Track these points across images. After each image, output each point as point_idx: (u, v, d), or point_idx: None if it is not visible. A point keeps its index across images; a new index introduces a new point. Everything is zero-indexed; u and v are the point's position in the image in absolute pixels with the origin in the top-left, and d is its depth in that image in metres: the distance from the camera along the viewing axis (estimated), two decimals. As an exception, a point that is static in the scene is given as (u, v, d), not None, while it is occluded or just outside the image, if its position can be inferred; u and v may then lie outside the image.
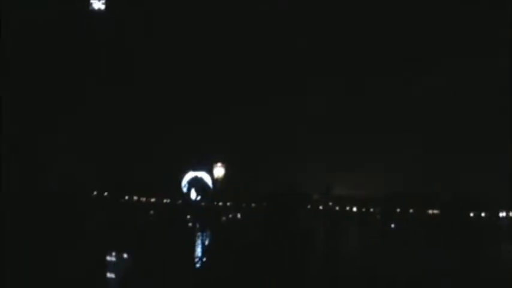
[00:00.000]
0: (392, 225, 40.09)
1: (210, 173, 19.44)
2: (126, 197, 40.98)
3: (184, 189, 11.24)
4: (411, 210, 45.36)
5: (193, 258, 10.50)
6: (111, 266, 8.68)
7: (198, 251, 10.82)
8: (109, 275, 8.58)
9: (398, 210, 44.79)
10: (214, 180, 20.25)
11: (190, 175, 11.49)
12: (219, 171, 15.51)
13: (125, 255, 8.86)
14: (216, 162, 19.92)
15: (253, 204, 36.46)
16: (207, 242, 11.09)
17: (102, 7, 14.74)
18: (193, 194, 11.58)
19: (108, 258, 8.80)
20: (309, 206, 38.05)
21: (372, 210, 47.03)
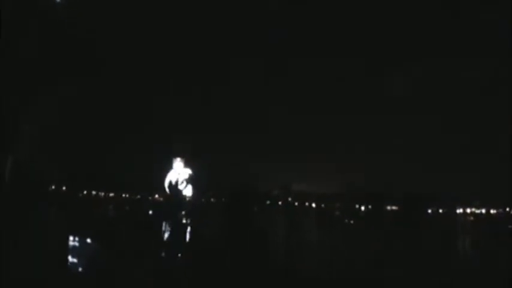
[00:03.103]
0: (352, 222, 40.70)
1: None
2: (85, 192, 40.06)
3: (182, 187, 10.98)
4: (370, 206, 46.25)
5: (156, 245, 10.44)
6: (73, 251, 8.50)
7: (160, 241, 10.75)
8: (71, 259, 8.41)
9: (357, 206, 45.59)
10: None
11: (183, 171, 11.23)
12: (179, 166, 15.25)
13: (88, 240, 8.67)
14: (176, 156, 19.47)
15: (212, 199, 36.38)
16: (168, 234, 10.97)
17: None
18: (189, 191, 11.34)
19: (71, 242, 8.61)
20: (268, 202, 38.17)
21: (331, 206, 47.68)
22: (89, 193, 41.25)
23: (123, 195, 41.02)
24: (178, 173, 11.06)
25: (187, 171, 10.88)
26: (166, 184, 11.12)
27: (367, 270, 14.51)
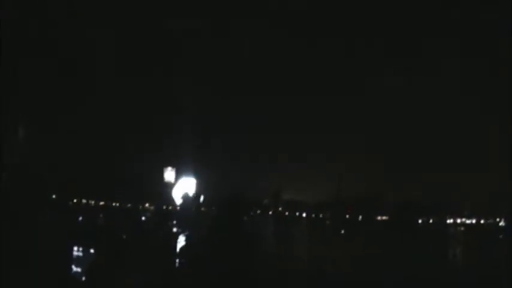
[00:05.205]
0: (342, 231, 40.79)
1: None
2: (75, 200, 39.67)
3: (195, 197, 11.04)
4: (361, 216, 46.39)
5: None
6: (76, 260, 8.55)
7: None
8: (75, 268, 8.46)
9: (348, 216, 45.69)
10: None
11: (189, 181, 11.20)
12: (169, 175, 15.20)
13: (91, 250, 8.75)
14: (166, 166, 19.52)
15: (202, 209, 36.19)
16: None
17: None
18: (201, 198, 11.45)
19: (75, 253, 8.67)
20: (258, 211, 38.14)
21: (321, 215, 47.74)
22: (79, 202, 40.96)
23: (114, 204, 40.70)
24: (189, 184, 11.08)
25: (193, 181, 10.92)
26: (179, 195, 11.08)
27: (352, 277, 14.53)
